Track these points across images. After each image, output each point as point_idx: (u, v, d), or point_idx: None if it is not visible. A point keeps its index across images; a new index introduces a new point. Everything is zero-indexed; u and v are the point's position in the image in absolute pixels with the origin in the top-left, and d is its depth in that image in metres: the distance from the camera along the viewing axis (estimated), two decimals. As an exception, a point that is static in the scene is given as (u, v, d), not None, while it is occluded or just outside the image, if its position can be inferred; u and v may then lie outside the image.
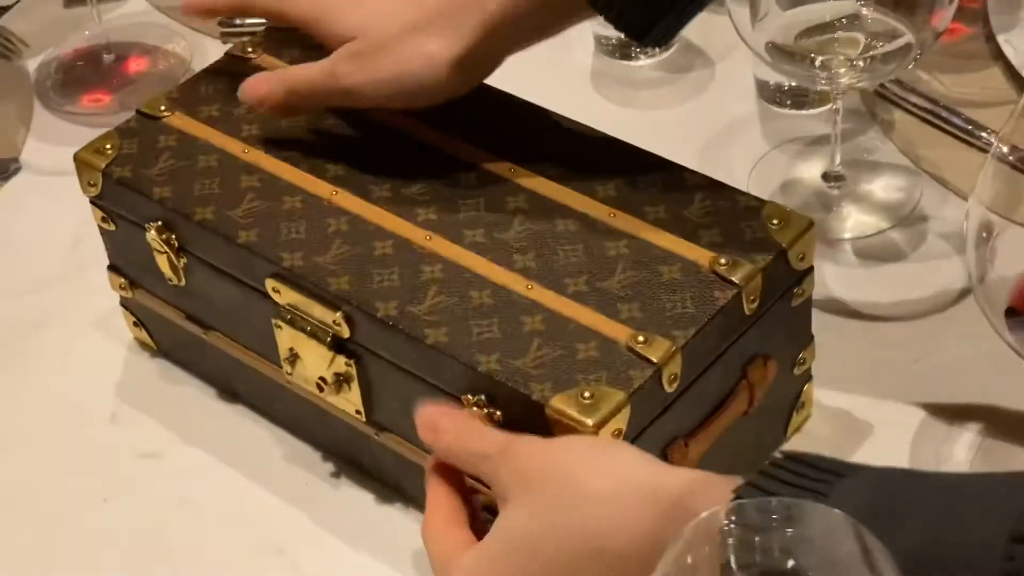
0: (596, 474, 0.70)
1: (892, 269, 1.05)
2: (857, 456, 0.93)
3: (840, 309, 1.02)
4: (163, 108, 1.00)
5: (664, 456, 0.83)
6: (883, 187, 1.10)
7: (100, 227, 1.00)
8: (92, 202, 0.99)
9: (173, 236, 0.94)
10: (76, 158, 0.98)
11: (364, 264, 0.88)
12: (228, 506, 0.95)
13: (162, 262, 0.96)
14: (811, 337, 0.92)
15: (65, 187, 1.16)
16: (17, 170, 1.22)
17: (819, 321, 0.94)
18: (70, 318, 1.08)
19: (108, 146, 0.98)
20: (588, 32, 1.24)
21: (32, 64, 1.32)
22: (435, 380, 0.84)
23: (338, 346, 0.88)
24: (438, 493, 0.77)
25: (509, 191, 0.91)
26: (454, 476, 0.78)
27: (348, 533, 0.92)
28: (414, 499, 0.93)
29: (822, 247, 1.01)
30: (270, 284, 0.89)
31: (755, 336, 0.87)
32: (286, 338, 0.91)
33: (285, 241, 0.90)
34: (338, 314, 0.86)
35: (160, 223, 0.94)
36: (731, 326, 0.84)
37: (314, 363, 0.90)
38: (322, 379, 0.90)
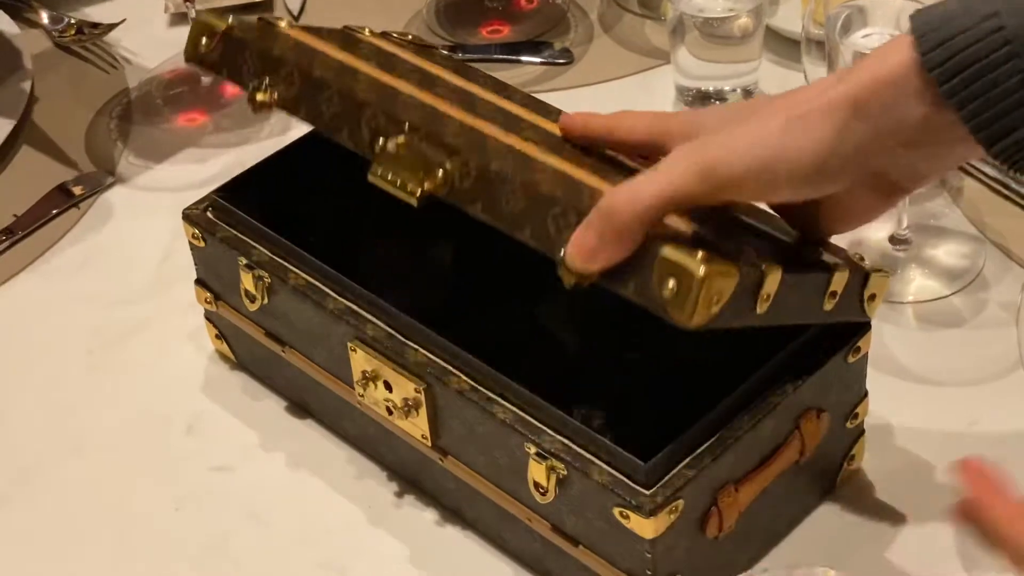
0: None
1: (951, 335, 1.07)
2: (906, 513, 0.96)
3: (897, 370, 1.05)
4: None
5: (714, 499, 0.86)
6: (948, 253, 1.12)
7: (191, 243, 1.05)
8: (185, 217, 1.04)
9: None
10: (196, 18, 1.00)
11: None
12: (294, 522, 0.99)
13: (247, 280, 1.00)
14: (865, 392, 0.95)
15: (157, 202, 1.22)
16: (112, 183, 1.26)
17: (876, 381, 0.96)
18: (156, 330, 1.13)
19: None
20: (670, 82, 1.27)
21: (133, 80, 1.37)
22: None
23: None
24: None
25: None
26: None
27: (408, 555, 0.96)
28: (473, 524, 0.96)
29: (883, 309, 1.03)
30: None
31: (810, 390, 0.90)
32: (360, 361, 0.95)
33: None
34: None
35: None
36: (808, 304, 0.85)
37: (385, 387, 0.94)
38: (391, 403, 0.94)
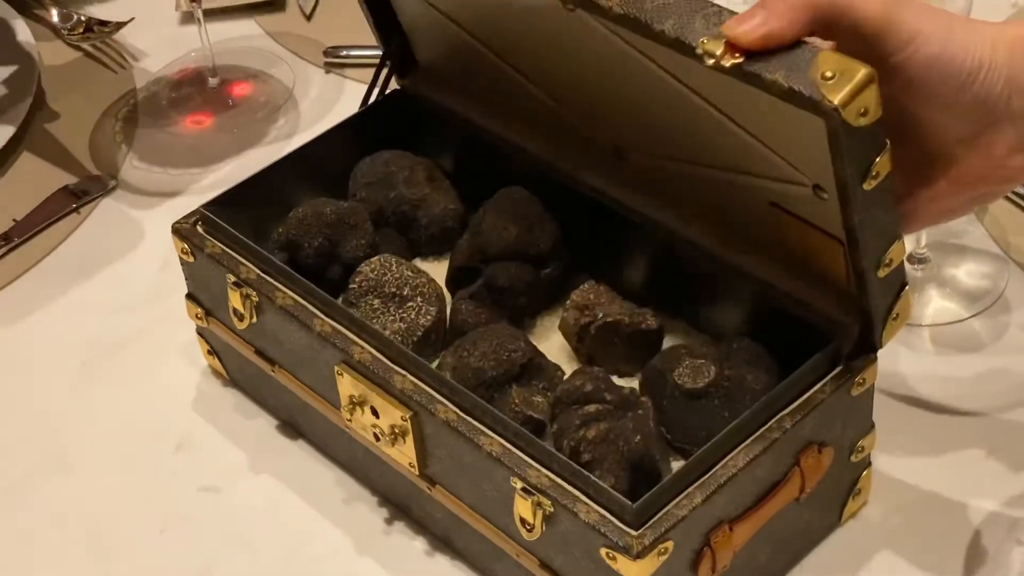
0: None
1: (969, 360, 1.03)
2: (914, 547, 0.92)
3: (911, 397, 1.01)
4: None
5: (707, 539, 0.83)
6: (968, 273, 1.08)
7: (181, 257, 1.02)
8: (175, 231, 1.01)
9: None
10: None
11: None
12: (280, 548, 0.96)
13: (234, 299, 0.97)
14: (871, 425, 0.91)
15: (158, 207, 1.20)
16: (114, 187, 1.24)
17: (888, 407, 0.93)
18: (151, 341, 1.10)
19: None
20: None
21: (141, 80, 1.34)
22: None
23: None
24: None
25: None
26: None
27: (396, 583, 0.93)
28: (463, 554, 0.93)
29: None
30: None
31: (810, 424, 0.86)
32: (347, 385, 0.92)
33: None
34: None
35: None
36: None
37: (372, 413, 0.91)
38: (379, 429, 0.91)
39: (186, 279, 1.03)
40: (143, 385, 1.07)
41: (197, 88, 1.32)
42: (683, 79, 0.85)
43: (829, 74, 0.74)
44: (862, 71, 0.74)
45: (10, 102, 1.30)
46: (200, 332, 1.05)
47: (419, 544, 0.95)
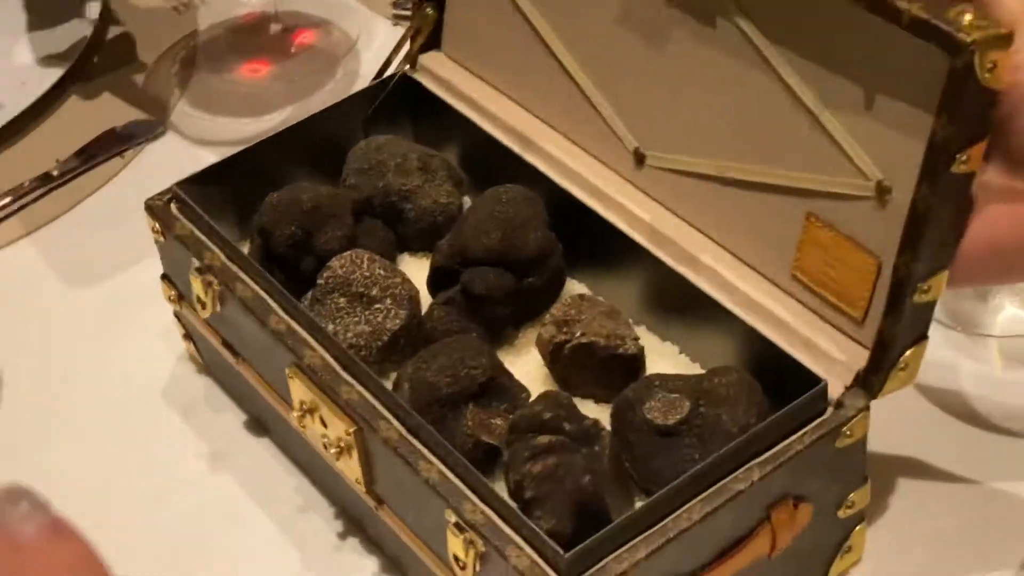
0: None
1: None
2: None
3: (971, 415, 0.91)
4: None
5: (654, 597, 0.75)
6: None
7: (154, 236, 0.96)
8: (147, 208, 0.95)
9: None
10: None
11: None
12: (222, 557, 0.90)
13: (196, 285, 0.91)
14: (863, 479, 0.82)
15: (204, 157, 1.11)
16: (161, 133, 1.18)
17: (946, 425, 0.86)
18: (159, 307, 1.01)
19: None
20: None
21: (204, 23, 1.28)
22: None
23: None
24: None
25: None
26: None
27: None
28: (412, 581, 0.86)
29: (962, 339, 0.92)
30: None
31: (783, 477, 0.77)
32: (298, 389, 0.85)
33: None
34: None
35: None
36: None
37: (321, 422, 0.84)
38: (328, 439, 0.84)
39: (161, 258, 0.97)
40: (131, 353, 1.02)
41: (259, 34, 1.26)
42: (766, 51, 0.79)
43: (968, 19, 0.69)
44: (1003, 30, 0.69)
45: (65, 39, 1.25)
46: (176, 315, 0.99)
47: (370, 564, 0.88)
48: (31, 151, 1.17)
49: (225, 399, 0.98)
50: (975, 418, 0.91)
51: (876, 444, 0.82)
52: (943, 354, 0.93)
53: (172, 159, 1.15)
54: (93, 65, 1.24)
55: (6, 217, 1.12)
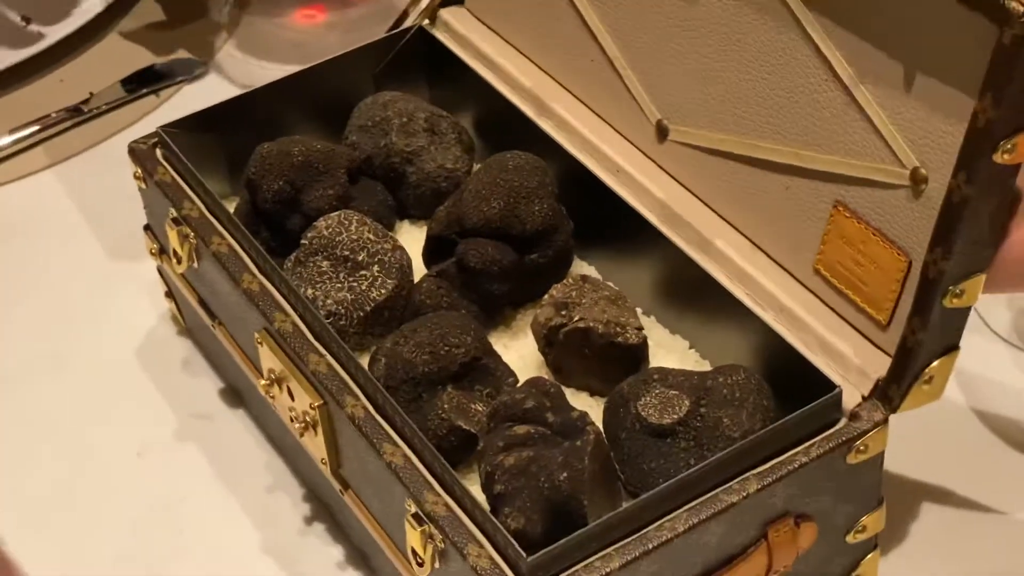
0: None
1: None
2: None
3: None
4: None
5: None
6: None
7: (136, 182, 0.89)
8: (130, 151, 0.88)
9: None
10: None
11: None
12: (181, 536, 0.83)
13: (172, 237, 0.84)
14: (878, 502, 0.74)
15: None
16: (203, 74, 1.12)
17: (997, 453, 0.78)
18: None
19: None
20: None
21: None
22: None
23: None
24: None
25: None
26: None
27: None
28: (376, 572, 0.79)
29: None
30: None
31: (785, 491, 0.69)
32: (266, 356, 0.78)
33: None
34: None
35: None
36: None
37: (288, 394, 0.77)
38: (295, 413, 0.77)
39: (144, 207, 0.90)
40: (119, 306, 0.95)
41: (318, -23, 1.20)
42: (804, 19, 0.72)
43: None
44: None
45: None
46: (160, 271, 0.92)
47: (335, 554, 0.81)
48: (68, 81, 1.12)
49: (204, 364, 0.91)
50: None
51: (905, 465, 0.73)
52: (1011, 378, 0.84)
53: (209, 102, 1.08)
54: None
55: (31, 147, 1.07)
